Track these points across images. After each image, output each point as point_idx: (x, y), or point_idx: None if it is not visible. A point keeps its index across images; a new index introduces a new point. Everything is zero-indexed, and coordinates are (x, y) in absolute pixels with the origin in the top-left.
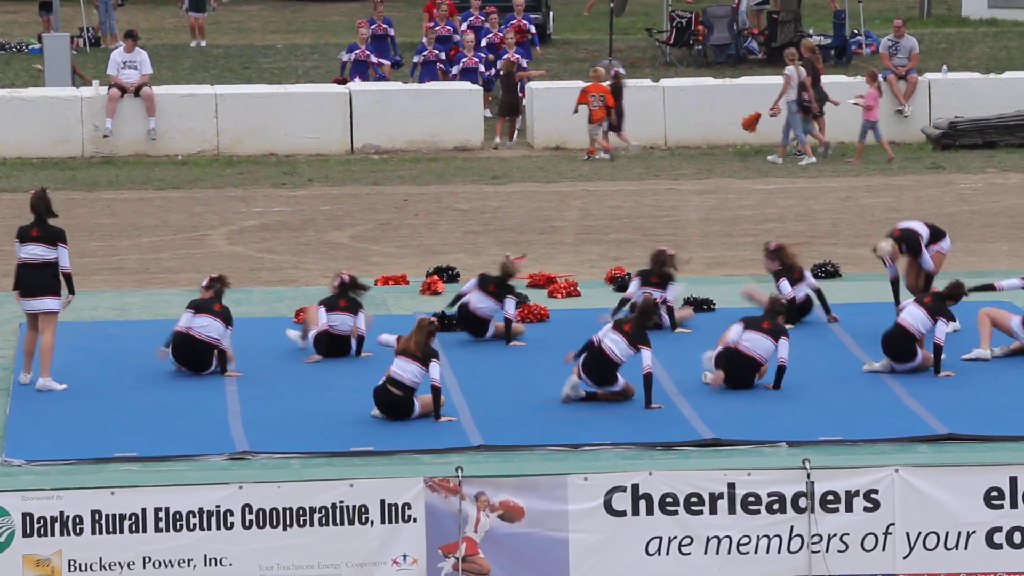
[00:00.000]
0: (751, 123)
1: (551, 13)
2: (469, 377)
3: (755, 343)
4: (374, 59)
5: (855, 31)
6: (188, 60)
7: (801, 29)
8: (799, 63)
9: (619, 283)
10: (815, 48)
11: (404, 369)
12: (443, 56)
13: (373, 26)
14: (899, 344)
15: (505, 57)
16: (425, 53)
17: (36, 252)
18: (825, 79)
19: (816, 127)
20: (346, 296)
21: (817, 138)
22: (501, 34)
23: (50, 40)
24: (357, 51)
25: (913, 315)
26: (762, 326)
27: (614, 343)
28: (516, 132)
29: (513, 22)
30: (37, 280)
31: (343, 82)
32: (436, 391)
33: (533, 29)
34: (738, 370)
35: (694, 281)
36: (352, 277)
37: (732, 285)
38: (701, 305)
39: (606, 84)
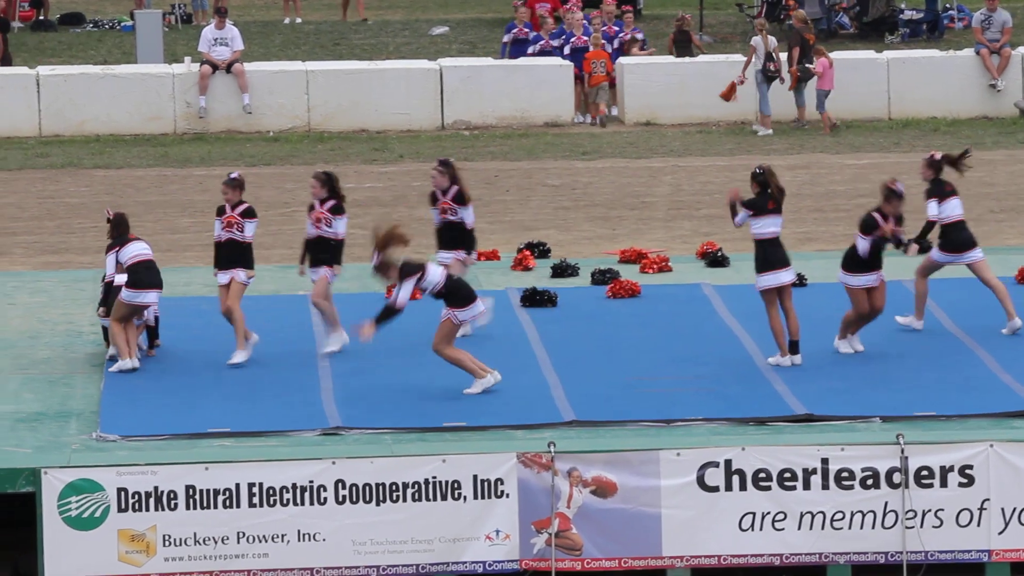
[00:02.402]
0: (728, 93)
1: None
2: (561, 353)
3: None
4: (560, 51)
5: (948, 5)
6: (279, 36)
7: (893, 3)
8: (767, 33)
9: (710, 258)
10: (806, 19)
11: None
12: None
13: (515, 31)
14: None
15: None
16: (542, 43)
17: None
18: (918, 54)
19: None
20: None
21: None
22: (637, 35)
23: (142, 17)
24: (542, 42)
25: None
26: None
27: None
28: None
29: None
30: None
31: None
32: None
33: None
34: None
35: None
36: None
37: (824, 260)
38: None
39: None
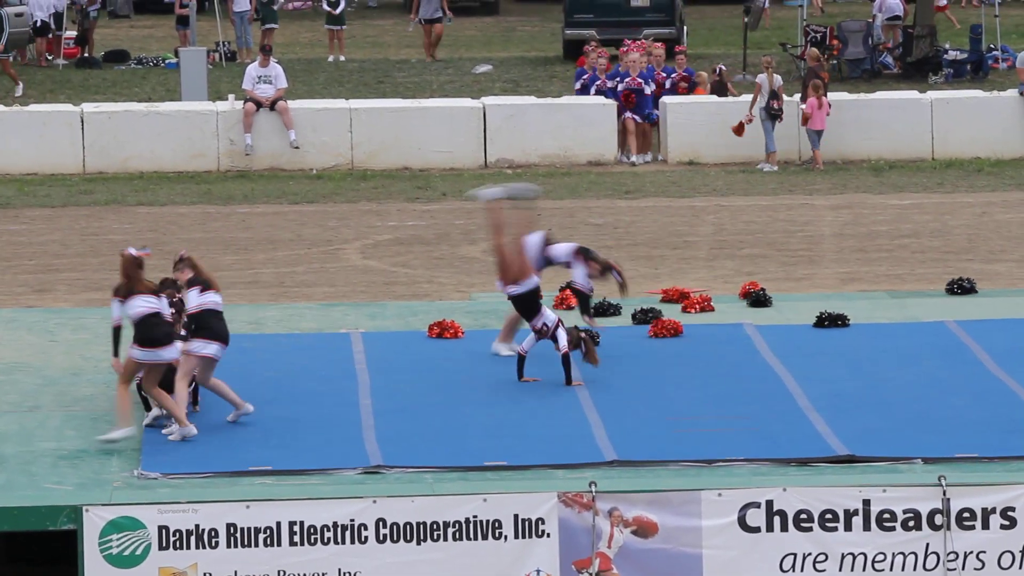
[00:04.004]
0: (738, 130)
1: (684, 28)
2: (602, 392)
3: None
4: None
5: (992, 46)
6: (323, 74)
7: (937, 44)
8: (772, 71)
9: (753, 298)
10: (819, 57)
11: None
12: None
13: (585, 76)
14: None
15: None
16: (598, 83)
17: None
18: (961, 94)
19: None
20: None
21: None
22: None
23: (186, 54)
24: (598, 82)
25: None
26: None
27: None
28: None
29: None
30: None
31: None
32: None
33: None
34: None
35: (827, 296)
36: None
37: (866, 301)
38: (836, 321)
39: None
